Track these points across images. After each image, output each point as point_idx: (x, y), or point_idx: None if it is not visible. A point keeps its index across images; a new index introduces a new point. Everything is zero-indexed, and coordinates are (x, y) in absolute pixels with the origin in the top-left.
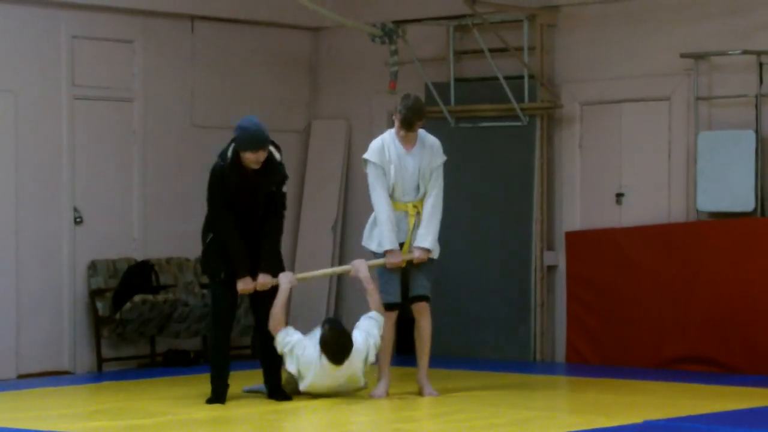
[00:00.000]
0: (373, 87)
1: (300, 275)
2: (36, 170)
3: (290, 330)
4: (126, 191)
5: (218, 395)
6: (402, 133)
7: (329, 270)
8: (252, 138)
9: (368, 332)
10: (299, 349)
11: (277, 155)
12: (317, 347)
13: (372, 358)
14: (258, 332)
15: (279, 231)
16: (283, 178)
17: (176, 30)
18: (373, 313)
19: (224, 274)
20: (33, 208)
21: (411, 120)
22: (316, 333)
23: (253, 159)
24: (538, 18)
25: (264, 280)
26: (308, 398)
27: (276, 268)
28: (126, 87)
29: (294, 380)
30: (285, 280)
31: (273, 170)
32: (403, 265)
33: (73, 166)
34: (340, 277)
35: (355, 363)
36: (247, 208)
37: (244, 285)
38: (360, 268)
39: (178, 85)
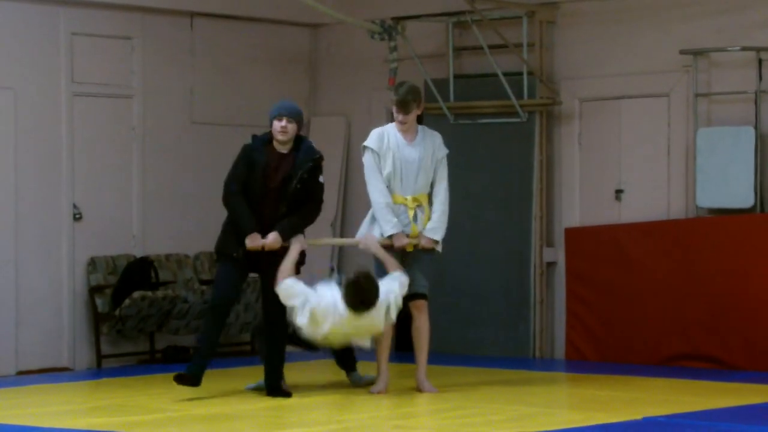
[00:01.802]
0: (372, 84)
1: (311, 240)
2: (35, 167)
3: (299, 281)
4: (125, 188)
5: (190, 375)
6: (400, 117)
7: (339, 240)
8: (279, 105)
9: (388, 289)
10: (314, 298)
11: (312, 143)
12: (336, 295)
13: (393, 317)
14: (260, 327)
15: (308, 213)
16: (319, 160)
17: (175, 27)
18: (395, 274)
19: (239, 252)
20: (32, 204)
21: (407, 101)
22: (332, 283)
23: (278, 127)
24: (537, 15)
25: (274, 238)
26: (307, 395)
27: (290, 235)
28: (125, 84)
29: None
30: (296, 241)
31: (304, 151)
32: (410, 249)
33: (72, 163)
34: (341, 250)
35: (375, 315)
36: (274, 190)
37: (251, 241)
38: (370, 241)
39: (177, 82)
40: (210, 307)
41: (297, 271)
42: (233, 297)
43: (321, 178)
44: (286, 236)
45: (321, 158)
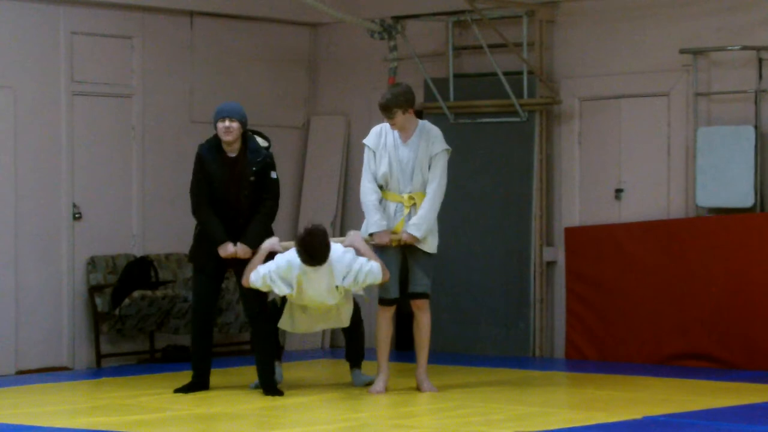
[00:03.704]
0: (372, 83)
1: (284, 243)
2: (35, 166)
3: (260, 267)
4: (125, 187)
5: (194, 384)
6: (386, 120)
7: None
8: (221, 107)
9: (355, 259)
10: (274, 265)
11: (263, 142)
12: (292, 254)
13: (361, 278)
14: (250, 327)
15: (267, 213)
16: (266, 159)
17: (175, 26)
18: (374, 263)
19: (211, 267)
20: (32, 204)
21: (387, 105)
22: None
23: (222, 129)
24: (537, 14)
25: (242, 251)
26: (307, 395)
27: (257, 242)
28: (125, 83)
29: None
30: (267, 243)
31: (254, 152)
32: (394, 244)
33: (72, 162)
34: None
35: (336, 272)
36: (231, 199)
37: (223, 251)
38: (354, 238)
39: (176, 82)
40: (194, 319)
41: None
42: (213, 304)
43: (273, 174)
44: (254, 245)
45: (268, 156)
